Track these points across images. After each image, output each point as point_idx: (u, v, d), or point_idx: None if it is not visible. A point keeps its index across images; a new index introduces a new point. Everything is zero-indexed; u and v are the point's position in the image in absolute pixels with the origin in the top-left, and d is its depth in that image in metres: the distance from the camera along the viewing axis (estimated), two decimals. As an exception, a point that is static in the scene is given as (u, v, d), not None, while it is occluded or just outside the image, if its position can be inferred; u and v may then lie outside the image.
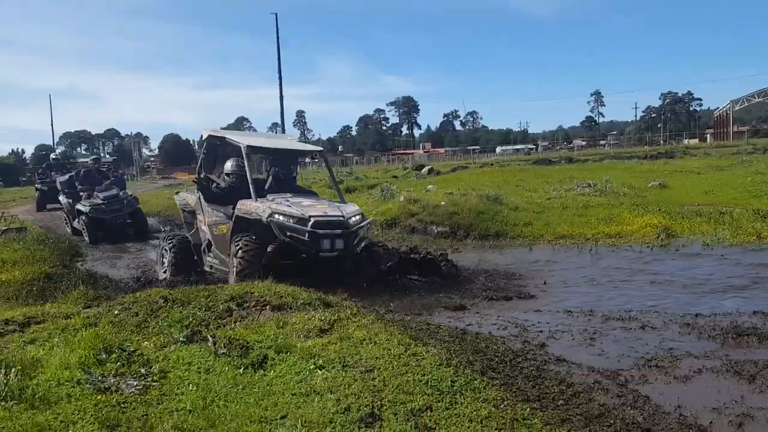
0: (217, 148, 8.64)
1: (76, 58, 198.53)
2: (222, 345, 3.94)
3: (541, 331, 4.82)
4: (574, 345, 4.44)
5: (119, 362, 3.79)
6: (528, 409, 2.90)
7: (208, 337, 4.08)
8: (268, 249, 7.23)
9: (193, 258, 8.55)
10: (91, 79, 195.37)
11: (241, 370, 3.56)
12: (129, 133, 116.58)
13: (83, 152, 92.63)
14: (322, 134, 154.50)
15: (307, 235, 6.89)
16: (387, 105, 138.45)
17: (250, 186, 7.54)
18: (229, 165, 8.24)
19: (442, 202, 14.11)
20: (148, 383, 3.54)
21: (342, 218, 7.20)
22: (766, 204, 12.32)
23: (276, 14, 36.96)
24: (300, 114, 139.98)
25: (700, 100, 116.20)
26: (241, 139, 8.39)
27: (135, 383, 3.56)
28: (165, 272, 8.53)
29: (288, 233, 6.97)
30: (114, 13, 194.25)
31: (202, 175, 8.41)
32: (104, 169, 18.02)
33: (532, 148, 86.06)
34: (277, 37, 36.73)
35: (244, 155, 7.88)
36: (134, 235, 14.05)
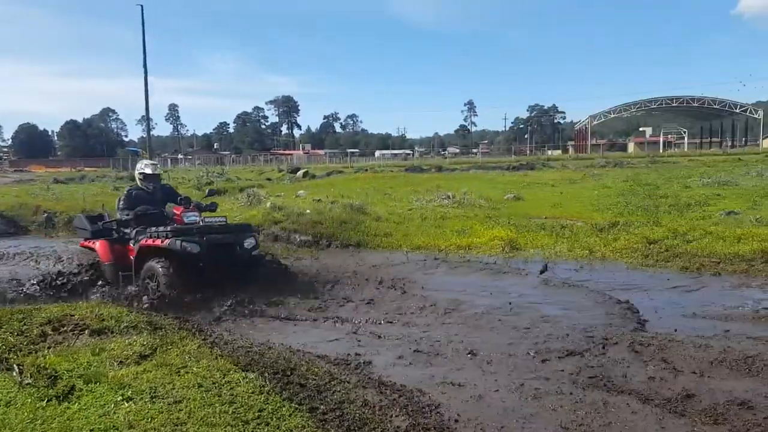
0: None
1: None
2: (29, 374, 3.72)
3: (365, 351, 4.99)
4: (390, 364, 4.66)
5: None
6: (325, 437, 3.03)
7: (14, 365, 3.85)
8: None
9: None
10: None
11: (44, 402, 3.39)
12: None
13: None
14: (197, 130, 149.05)
15: None
16: (266, 104, 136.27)
17: None
18: None
19: (307, 210, 14.18)
20: (-60, 419, 3.29)
21: None
22: (606, 218, 13.46)
23: (142, 6, 35.61)
24: (173, 108, 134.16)
25: (564, 113, 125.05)
26: None
27: (-75, 419, 3.31)
28: None
29: None
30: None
31: None
32: None
33: (409, 154, 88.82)
34: (143, 29, 35.76)
35: None
36: None
